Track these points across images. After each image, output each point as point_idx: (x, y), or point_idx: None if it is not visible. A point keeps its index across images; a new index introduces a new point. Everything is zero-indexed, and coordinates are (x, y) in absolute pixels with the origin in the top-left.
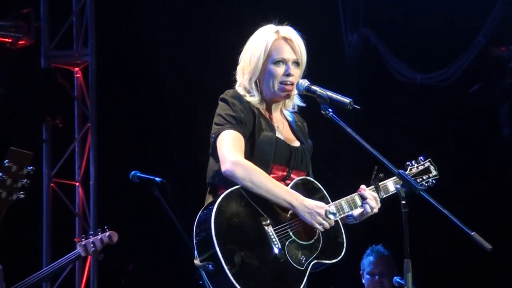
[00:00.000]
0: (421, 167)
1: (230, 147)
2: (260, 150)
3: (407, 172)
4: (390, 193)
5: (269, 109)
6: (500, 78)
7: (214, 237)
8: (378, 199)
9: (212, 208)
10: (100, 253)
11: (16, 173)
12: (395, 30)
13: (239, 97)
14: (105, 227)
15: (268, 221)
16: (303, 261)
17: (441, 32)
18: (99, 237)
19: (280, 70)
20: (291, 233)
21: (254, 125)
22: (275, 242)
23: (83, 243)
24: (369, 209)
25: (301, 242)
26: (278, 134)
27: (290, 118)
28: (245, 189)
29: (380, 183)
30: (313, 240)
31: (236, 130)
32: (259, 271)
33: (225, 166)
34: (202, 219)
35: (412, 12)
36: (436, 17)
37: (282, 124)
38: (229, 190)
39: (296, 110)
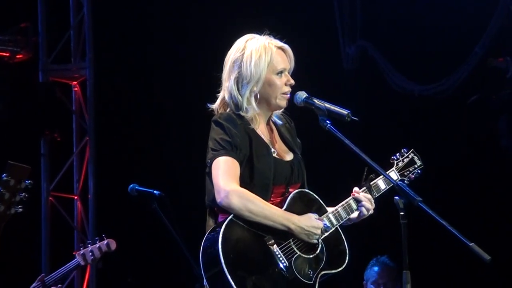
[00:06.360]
0: (406, 160)
1: (224, 176)
2: (259, 175)
3: (394, 167)
4: (382, 191)
5: (261, 124)
6: (498, 89)
7: (224, 267)
8: (372, 200)
9: (217, 238)
10: (99, 261)
11: (15, 187)
12: (392, 42)
13: (233, 120)
14: (103, 235)
15: (272, 241)
16: (311, 275)
17: (438, 43)
18: (97, 245)
19: (282, 80)
20: (295, 249)
21: (251, 149)
22: (282, 260)
23: (82, 252)
24: (365, 212)
25: (306, 256)
26: (274, 154)
27: (279, 122)
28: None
29: (371, 183)
30: (317, 252)
31: (231, 156)
32: None
33: (220, 197)
34: (208, 249)
35: (409, 24)
36: (433, 29)
37: (274, 138)
38: (230, 217)
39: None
